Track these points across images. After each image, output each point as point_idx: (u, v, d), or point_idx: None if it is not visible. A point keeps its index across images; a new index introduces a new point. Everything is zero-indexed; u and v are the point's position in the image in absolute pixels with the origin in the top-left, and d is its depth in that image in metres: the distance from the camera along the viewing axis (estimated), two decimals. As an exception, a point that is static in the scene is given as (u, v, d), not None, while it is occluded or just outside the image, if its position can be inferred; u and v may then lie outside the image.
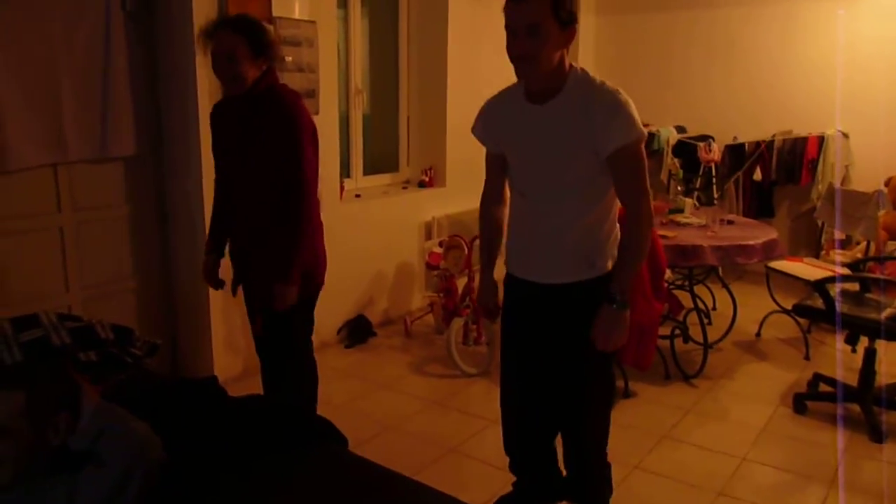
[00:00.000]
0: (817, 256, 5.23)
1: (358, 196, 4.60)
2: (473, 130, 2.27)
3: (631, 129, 1.90)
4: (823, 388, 3.72)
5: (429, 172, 5.07)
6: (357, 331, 4.41)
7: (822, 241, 5.42)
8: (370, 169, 4.93)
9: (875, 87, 5.34)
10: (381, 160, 5.10)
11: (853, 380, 3.51)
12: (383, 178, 5.05)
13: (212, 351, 3.70)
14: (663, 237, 3.71)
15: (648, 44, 6.42)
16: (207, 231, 2.84)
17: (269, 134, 2.45)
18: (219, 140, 2.68)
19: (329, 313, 4.32)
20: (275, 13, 3.67)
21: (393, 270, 4.79)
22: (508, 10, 1.86)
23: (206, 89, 3.44)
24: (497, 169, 2.25)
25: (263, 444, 1.56)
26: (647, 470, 3.00)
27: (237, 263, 2.75)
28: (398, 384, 3.87)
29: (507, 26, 1.88)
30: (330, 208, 4.22)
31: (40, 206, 3.22)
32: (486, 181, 2.31)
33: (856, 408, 3.48)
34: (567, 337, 2.13)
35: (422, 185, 5.05)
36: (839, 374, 3.77)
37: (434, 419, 3.49)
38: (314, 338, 4.19)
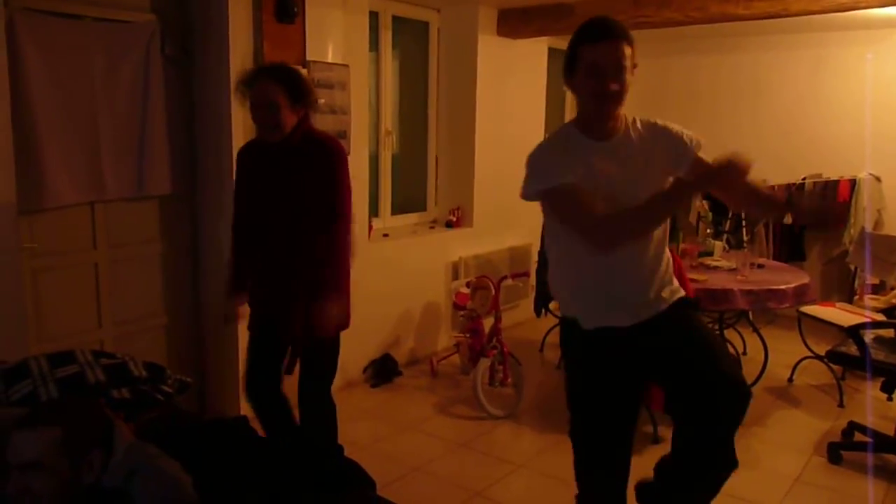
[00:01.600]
0: (850, 301, 5.13)
1: (386, 235, 4.63)
2: (541, 177, 2.01)
3: (696, 138, 2.09)
4: (859, 437, 3.62)
5: (456, 212, 5.10)
6: (383, 370, 4.40)
7: (856, 285, 5.33)
8: (398, 209, 4.98)
9: (906, 131, 5.30)
10: (409, 200, 5.15)
11: (889, 429, 3.43)
12: (411, 218, 5.09)
13: (239, 389, 3.71)
14: (693, 281, 3.68)
15: (675, 87, 6.45)
16: (230, 272, 2.85)
17: (313, 175, 2.55)
18: (251, 183, 2.71)
19: (355, 352, 4.33)
20: (309, 57, 3.76)
21: (420, 310, 4.79)
22: (595, 49, 1.91)
23: (241, 132, 3.51)
24: (586, 192, 1.97)
25: (293, 486, 1.56)
26: (677, 519, 2.93)
27: (265, 305, 2.75)
28: (423, 425, 3.84)
29: (591, 65, 1.91)
30: (359, 247, 4.27)
31: (76, 242, 3.29)
32: (588, 206, 1.94)
33: (893, 458, 3.38)
34: (669, 353, 2.08)
35: (449, 225, 5.08)
36: (870, 422, 3.68)
37: (459, 462, 3.45)
38: (341, 377, 4.22)
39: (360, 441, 3.58)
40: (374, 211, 4.65)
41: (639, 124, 2.07)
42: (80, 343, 3.01)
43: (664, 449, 3.63)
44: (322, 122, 3.83)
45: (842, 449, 3.49)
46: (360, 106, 4.11)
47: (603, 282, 2.06)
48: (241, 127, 3.51)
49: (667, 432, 3.67)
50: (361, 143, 4.19)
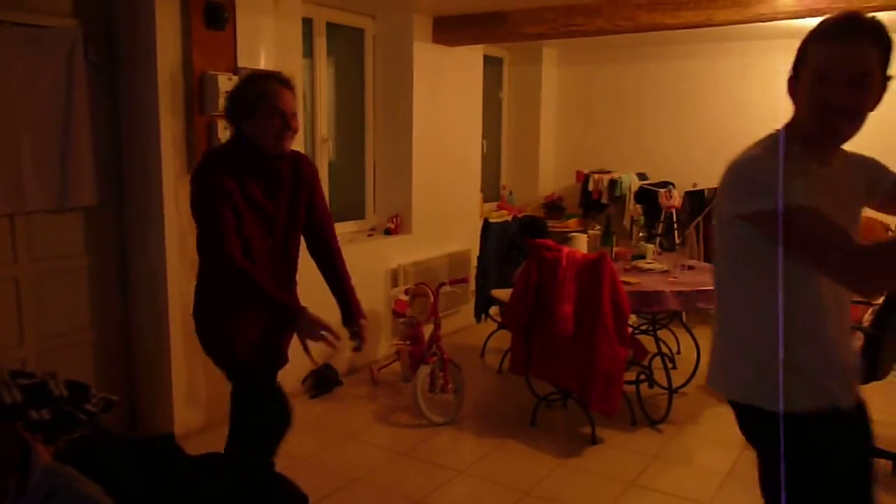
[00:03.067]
0: (777, 300, 5.32)
1: (323, 244, 4.58)
2: (749, 203, 1.53)
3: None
4: (787, 431, 3.74)
5: (395, 220, 5.09)
6: (322, 380, 4.35)
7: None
8: (336, 217, 4.91)
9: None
10: (347, 208, 5.12)
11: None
12: (349, 226, 5.05)
13: (172, 404, 3.61)
14: (626, 283, 3.76)
15: (610, 93, 6.59)
16: (275, 297, 2.30)
17: (313, 187, 2.53)
18: (253, 208, 2.34)
19: (293, 363, 4.25)
20: (240, 64, 3.69)
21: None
22: (830, 50, 1.51)
23: (171, 140, 3.44)
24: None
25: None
26: (614, 518, 2.98)
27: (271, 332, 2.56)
28: (364, 435, 3.81)
29: (823, 70, 1.51)
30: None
31: (-5, 257, 3.16)
32: (843, 231, 1.47)
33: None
34: None
35: (388, 232, 5.07)
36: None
37: (400, 470, 3.44)
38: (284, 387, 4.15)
39: (300, 454, 3.52)
40: (310, 219, 4.60)
41: (848, 152, 1.73)
42: (0, 361, 2.88)
43: (603, 449, 3.71)
44: (255, 130, 3.77)
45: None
46: (293, 113, 4.07)
47: (829, 333, 1.60)
48: (170, 135, 3.43)
49: (603, 433, 3.75)
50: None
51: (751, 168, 1.56)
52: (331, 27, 4.74)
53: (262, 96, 2.28)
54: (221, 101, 3.56)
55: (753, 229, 1.53)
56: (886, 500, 3.15)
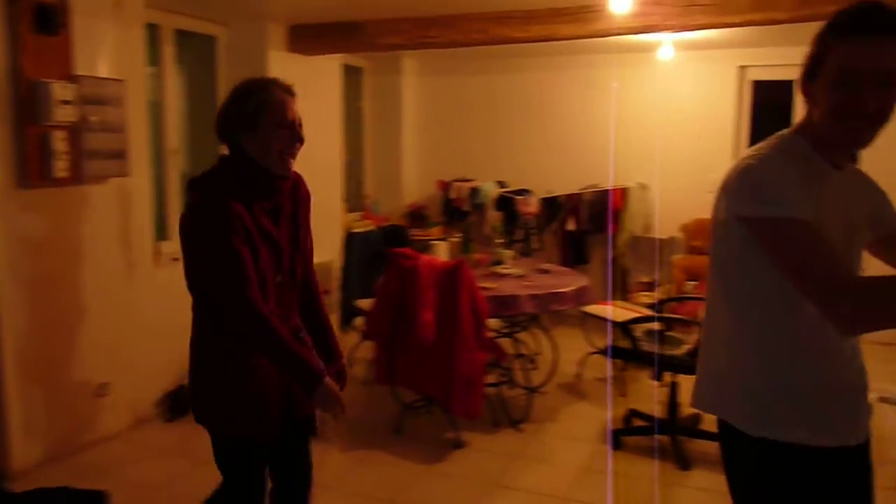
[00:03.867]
0: (625, 299, 5.65)
1: (176, 259, 4.37)
2: (789, 203, 1.36)
3: None
4: (637, 422, 3.98)
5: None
6: (178, 403, 4.16)
7: (630, 284, 5.88)
8: (191, 230, 4.74)
9: (667, 144, 5.96)
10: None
11: (662, 412, 3.80)
12: (205, 240, 4.86)
13: (8, 437, 3.33)
14: (484, 289, 3.85)
15: (469, 104, 6.75)
16: (300, 356, 1.95)
17: (307, 213, 2.20)
18: (266, 243, 2.00)
19: (147, 386, 4.06)
20: (77, 71, 3.48)
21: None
22: (856, 48, 1.33)
23: (4, 158, 3.18)
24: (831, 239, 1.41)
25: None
26: (477, 520, 3.04)
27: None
28: (224, 456, 3.67)
29: (844, 69, 1.34)
30: (144, 274, 4.01)
31: None
32: (837, 258, 1.36)
33: (665, 438, 3.75)
34: None
35: (247, 245, 4.91)
36: (649, 409, 4.06)
37: (262, 490, 3.33)
38: (131, 414, 3.94)
39: (155, 481, 3.35)
40: (161, 234, 4.39)
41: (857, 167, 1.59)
42: None
43: (466, 453, 3.77)
44: (95, 141, 3.57)
45: (623, 434, 3.82)
46: (138, 123, 3.87)
47: (827, 365, 1.44)
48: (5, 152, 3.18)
49: (467, 436, 3.82)
50: (142, 162, 3.95)
51: (761, 170, 1.42)
52: (181, 34, 4.56)
53: (264, 106, 1.97)
54: (57, 111, 3.34)
55: (750, 235, 1.40)
56: (722, 480, 3.41)
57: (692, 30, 4.24)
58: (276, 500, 2.27)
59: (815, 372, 1.43)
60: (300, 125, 2.03)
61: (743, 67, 5.88)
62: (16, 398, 3.35)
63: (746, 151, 1.50)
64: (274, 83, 2.04)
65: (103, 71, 3.63)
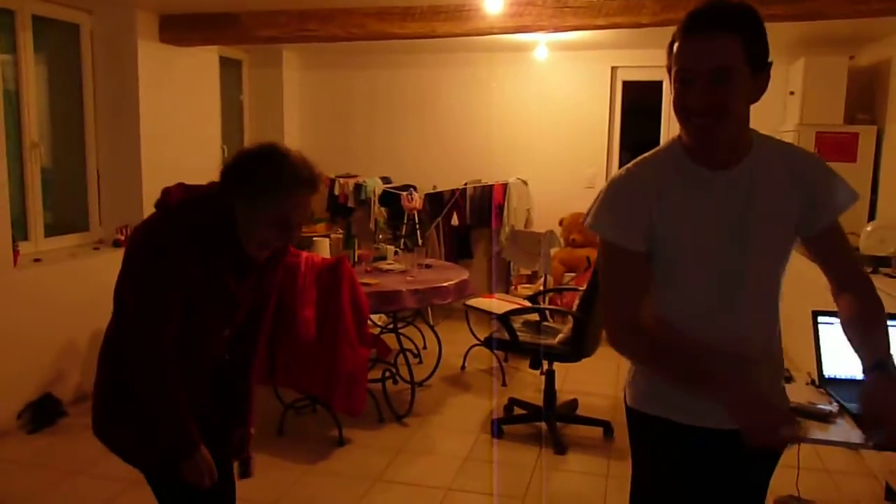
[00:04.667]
0: (507, 291, 5.80)
1: (38, 260, 4.12)
2: (599, 222, 1.52)
3: (851, 191, 1.53)
4: (518, 410, 4.11)
5: (124, 231, 4.72)
6: (42, 413, 3.91)
7: (512, 277, 6.04)
8: (54, 229, 4.47)
9: (544, 141, 6.16)
10: (66, 220, 4.65)
11: (540, 399, 3.94)
12: (71, 239, 4.59)
13: None
14: (366, 284, 3.85)
15: (352, 99, 6.70)
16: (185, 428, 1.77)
17: (272, 279, 2.00)
18: (230, 295, 1.85)
19: (6, 396, 3.80)
20: (-84, 58, 3.20)
21: (87, 340, 4.34)
22: (684, 49, 1.38)
23: None
24: (642, 268, 1.52)
25: None
26: (360, 516, 3.05)
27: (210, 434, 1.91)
28: (94, 467, 3.48)
29: (678, 71, 1.40)
30: (1, 277, 3.75)
31: None
32: (627, 282, 1.52)
33: (543, 425, 3.89)
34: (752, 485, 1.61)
35: (117, 244, 4.68)
36: (529, 397, 4.20)
37: (136, 500, 3.20)
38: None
39: (17, 495, 3.15)
40: (21, 234, 4.12)
41: (775, 151, 1.52)
42: None
43: (349, 450, 3.76)
44: (-60, 135, 3.29)
45: (504, 423, 3.93)
46: (-9, 115, 3.62)
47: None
48: None
49: (350, 433, 3.81)
50: (-4, 158, 3.69)
51: (615, 186, 1.53)
52: (39, 20, 4.27)
53: (273, 193, 1.72)
54: None
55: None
56: (597, 462, 3.58)
57: (564, 31, 4.39)
58: None
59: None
60: (299, 227, 1.81)
61: (615, 68, 6.15)
62: None
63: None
64: (303, 178, 1.76)
65: (-52, 58, 3.36)
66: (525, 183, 6.14)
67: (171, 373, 1.74)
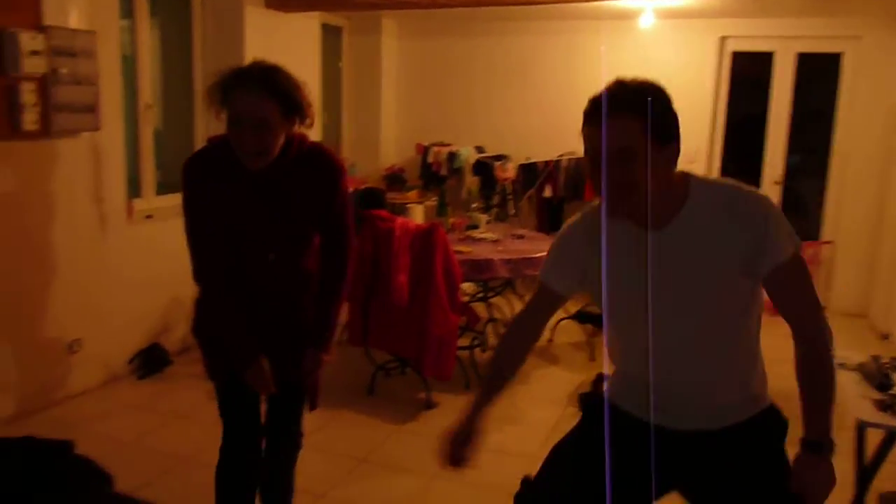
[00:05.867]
0: (601, 266, 5.70)
1: (150, 217, 4.35)
2: (544, 272, 1.79)
3: (793, 236, 1.54)
4: (605, 386, 4.05)
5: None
6: (151, 360, 4.16)
7: (605, 251, 5.92)
8: (165, 188, 4.69)
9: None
10: (175, 179, 4.86)
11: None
12: (178, 199, 4.80)
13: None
14: (458, 252, 3.87)
15: (449, 68, 6.69)
16: (236, 336, 2.06)
17: (317, 199, 2.06)
18: (230, 218, 2.01)
19: (119, 343, 4.05)
20: (46, 21, 3.40)
21: (192, 295, 4.55)
22: (588, 133, 1.49)
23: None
24: (548, 308, 1.83)
25: (4, 492, 1.42)
26: (446, 478, 3.09)
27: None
28: (196, 414, 3.68)
29: (586, 151, 1.51)
30: (116, 231, 3.98)
31: None
32: (526, 316, 1.87)
33: (632, 402, 3.83)
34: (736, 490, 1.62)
35: (221, 204, 4.88)
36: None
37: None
38: (104, 371, 3.94)
39: (124, 437, 3.37)
40: (134, 191, 4.34)
41: (716, 201, 1.55)
42: None
43: (438, 413, 3.82)
44: (66, 94, 3.50)
45: (591, 398, 3.89)
46: (110, 77, 3.80)
47: (624, 365, 1.75)
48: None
49: (439, 397, 3.86)
50: (114, 117, 3.89)
51: (559, 234, 1.78)
52: (154, -14, 4.45)
53: (224, 92, 1.89)
54: (25, 62, 3.27)
55: None
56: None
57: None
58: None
59: (618, 365, 1.78)
60: (263, 126, 1.86)
61: (724, 38, 5.88)
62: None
63: None
64: (249, 76, 1.89)
65: (74, 22, 3.55)
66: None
67: (224, 297, 2.02)
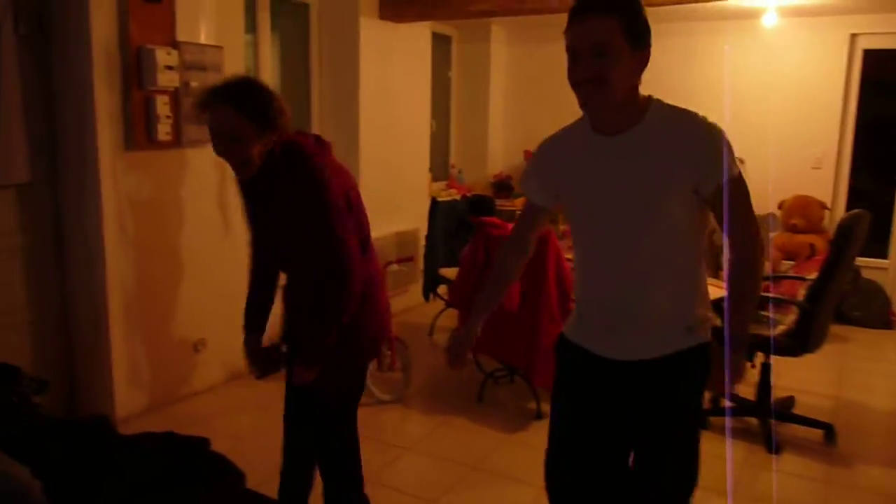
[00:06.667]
0: (716, 276, 5.47)
1: (269, 223, 4.52)
2: (523, 182, 1.97)
3: (736, 162, 1.69)
4: (724, 402, 3.87)
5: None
6: (269, 361, 4.30)
7: (721, 261, 5.68)
8: (282, 195, 4.87)
9: (767, 115, 5.68)
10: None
11: (751, 394, 3.68)
12: (296, 205, 4.99)
13: (113, 386, 3.54)
14: (570, 260, 3.79)
15: (558, 74, 6.52)
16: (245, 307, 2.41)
17: (290, 211, 2.11)
18: (247, 208, 2.28)
19: (239, 344, 4.21)
20: (179, 38, 3.60)
21: (306, 298, 4.71)
22: (571, 30, 1.65)
23: (106, 114, 3.33)
24: (531, 221, 1.98)
25: (149, 484, 1.50)
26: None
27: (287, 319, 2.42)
28: (311, 414, 3.79)
29: (568, 49, 1.66)
30: (239, 235, 4.15)
31: (-79, 236, 3.03)
32: (515, 229, 2.04)
33: (754, 420, 3.64)
34: (654, 418, 1.81)
35: (335, 210, 5.02)
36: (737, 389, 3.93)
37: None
38: (225, 370, 4.11)
39: (243, 433, 3.51)
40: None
41: (670, 119, 1.71)
42: (-73, 345, 2.79)
43: (547, 425, 3.76)
44: (196, 106, 3.69)
45: (709, 415, 3.72)
46: (236, 89, 3.98)
47: (592, 296, 1.84)
48: (105, 110, 3.33)
49: (548, 408, 3.80)
50: (239, 128, 4.07)
51: (535, 151, 1.93)
52: (275, 2, 4.64)
53: (202, 119, 2.05)
54: (160, 76, 3.47)
55: None
56: (814, 467, 3.29)
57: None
58: None
59: (578, 291, 1.89)
60: (234, 137, 1.99)
61: (854, 35, 5.52)
62: (121, 351, 3.55)
63: None
64: (216, 92, 2.03)
65: (203, 38, 3.74)
66: (741, 161, 5.72)
67: (252, 273, 2.40)
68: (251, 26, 4.44)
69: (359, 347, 2.29)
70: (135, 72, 3.42)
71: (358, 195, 2.27)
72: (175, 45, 3.57)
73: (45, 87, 3.38)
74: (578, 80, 1.65)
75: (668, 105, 1.74)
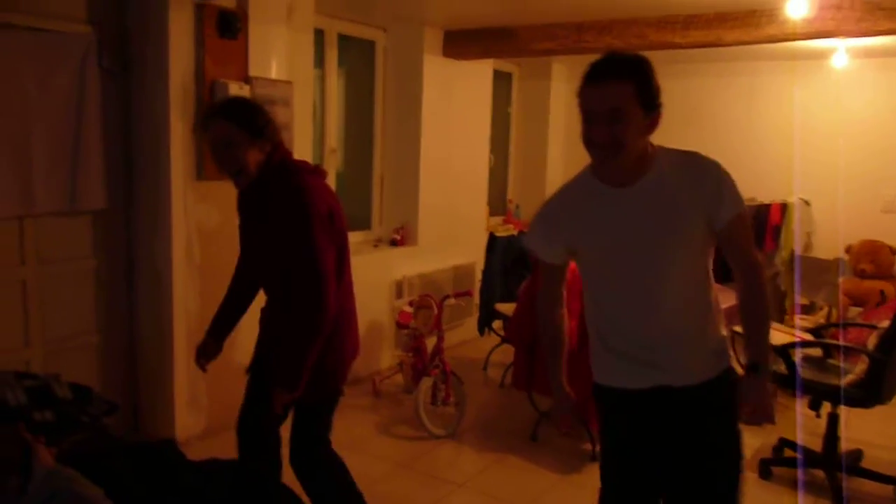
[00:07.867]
0: (781, 321, 5.31)
1: (329, 253, 4.59)
2: (529, 240, 2.03)
3: (740, 196, 1.80)
4: (788, 453, 3.73)
5: (400, 231, 5.10)
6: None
7: (786, 306, 5.52)
8: (349, 226, 4.95)
9: (835, 157, 5.55)
10: (353, 218, 5.12)
11: (817, 445, 3.54)
12: (355, 237, 5.06)
13: (174, 409, 3.62)
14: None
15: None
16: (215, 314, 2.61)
17: (274, 221, 2.21)
18: (240, 221, 2.43)
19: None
20: (252, 73, 3.73)
21: (362, 329, 4.69)
22: (586, 93, 1.71)
23: (180, 147, 3.46)
24: (558, 276, 2.05)
25: (219, 510, 1.53)
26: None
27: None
28: (364, 446, 3.80)
29: (583, 110, 1.73)
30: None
31: (2, 258, 3.17)
32: (545, 287, 2.09)
33: (820, 473, 3.49)
34: (699, 442, 1.89)
35: (393, 243, 5.08)
36: (800, 439, 3.79)
37: (400, 482, 3.43)
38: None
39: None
40: (317, 228, 4.61)
41: (677, 163, 1.82)
42: (5, 363, 2.90)
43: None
44: (264, 139, 3.80)
45: (772, 465, 3.59)
46: (303, 123, 4.09)
47: (616, 340, 1.92)
48: (179, 141, 3.46)
49: (605, 450, 3.72)
50: (306, 160, 4.17)
51: (543, 204, 1.98)
52: (342, 39, 4.78)
53: (205, 137, 2.32)
54: (232, 110, 3.60)
55: None
56: (888, 525, 3.13)
57: (874, 35, 3.92)
58: None
59: (597, 340, 1.98)
60: (224, 146, 2.17)
61: (929, 76, 5.37)
62: (183, 375, 3.63)
63: None
64: (209, 110, 2.27)
65: (274, 73, 3.86)
66: (808, 203, 5.59)
67: (231, 286, 2.58)
68: (319, 61, 4.58)
69: (318, 374, 2.30)
70: (208, 105, 3.55)
71: (342, 218, 2.33)
72: (247, 79, 3.69)
73: (124, 118, 3.54)
74: (595, 142, 1.72)
75: (672, 150, 1.83)
